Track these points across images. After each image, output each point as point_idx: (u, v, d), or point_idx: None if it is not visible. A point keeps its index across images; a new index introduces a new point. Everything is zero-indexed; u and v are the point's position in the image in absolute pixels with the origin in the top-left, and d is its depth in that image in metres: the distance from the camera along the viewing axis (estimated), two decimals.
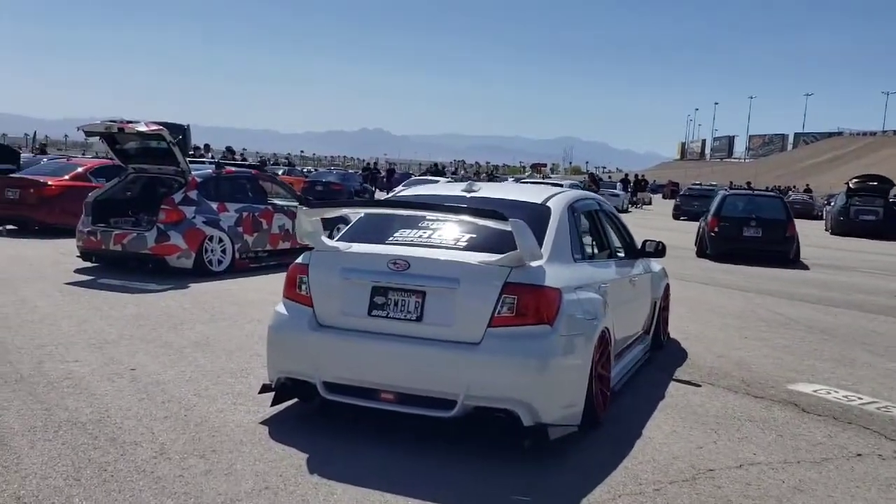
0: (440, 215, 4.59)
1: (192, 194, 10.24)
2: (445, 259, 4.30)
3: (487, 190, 5.37)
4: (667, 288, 7.32)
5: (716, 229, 15.70)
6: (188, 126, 13.64)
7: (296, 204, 11.97)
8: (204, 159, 24.87)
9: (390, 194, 30.77)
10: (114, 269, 10.06)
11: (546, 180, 47.87)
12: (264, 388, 4.74)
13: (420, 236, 4.60)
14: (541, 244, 4.43)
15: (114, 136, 10.16)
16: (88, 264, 10.34)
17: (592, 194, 6.07)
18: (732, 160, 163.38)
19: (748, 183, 50.50)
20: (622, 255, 6.19)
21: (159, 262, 9.85)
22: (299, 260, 4.67)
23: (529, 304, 4.15)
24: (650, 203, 50.13)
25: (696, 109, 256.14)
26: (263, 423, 4.57)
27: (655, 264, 6.99)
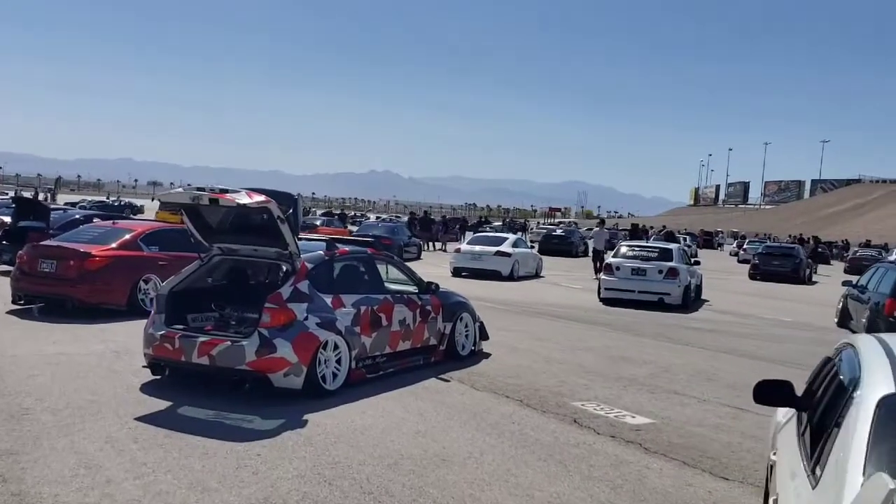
0: None
1: (303, 286, 7.51)
2: None
3: None
4: None
5: None
6: (299, 195, 11.05)
7: (415, 290, 9.32)
8: None
9: (455, 248, 27.14)
10: (190, 382, 7.43)
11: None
12: None
13: None
14: None
15: (198, 207, 7.57)
16: (157, 377, 7.68)
17: None
18: (748, 206, 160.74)
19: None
20: None
21: (260, 381, 7.16)
22: None
23: None
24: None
25: (710, 155, 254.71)
26: None
27: None
